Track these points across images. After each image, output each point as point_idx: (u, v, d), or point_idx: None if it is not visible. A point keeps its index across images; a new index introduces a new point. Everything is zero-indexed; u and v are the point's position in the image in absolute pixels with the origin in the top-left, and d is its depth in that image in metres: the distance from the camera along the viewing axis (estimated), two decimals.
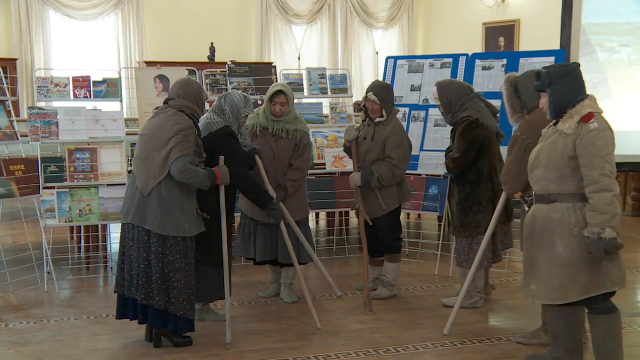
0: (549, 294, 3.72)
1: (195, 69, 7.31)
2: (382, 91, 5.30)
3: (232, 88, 6.85)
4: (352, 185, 5.36)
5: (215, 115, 4.76)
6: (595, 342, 3.80)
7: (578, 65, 3.78)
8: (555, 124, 3.74)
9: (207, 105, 4.87)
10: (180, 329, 4.41)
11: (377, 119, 5.32)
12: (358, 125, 5.60)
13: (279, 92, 5.13)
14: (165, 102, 4.43)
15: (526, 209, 4.34)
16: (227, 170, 4.50)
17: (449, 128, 5.27)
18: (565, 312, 3.81)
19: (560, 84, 3.64)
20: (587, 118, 3.56)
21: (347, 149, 5.47)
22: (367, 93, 5.34)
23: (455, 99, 5.05)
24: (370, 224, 5.32)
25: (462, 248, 5.16)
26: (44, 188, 5.97)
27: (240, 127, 4.86)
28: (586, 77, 4.40)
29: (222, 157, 4.51)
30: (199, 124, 4.65)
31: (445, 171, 5.82)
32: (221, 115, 4.76)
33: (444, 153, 5.32)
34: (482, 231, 4.93)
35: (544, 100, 3.73)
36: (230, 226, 4.82)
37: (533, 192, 3.81)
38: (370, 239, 5.39)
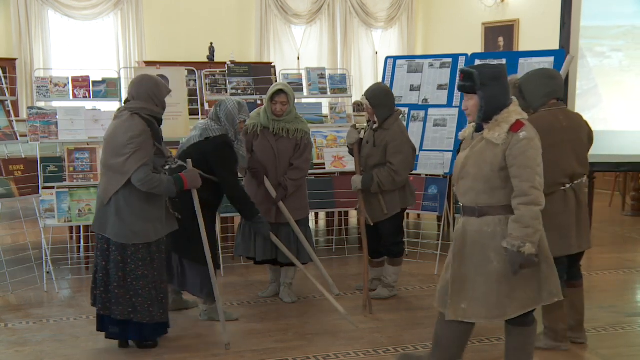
0: (485, 312, 3.47)
1: (194, 69, 7.32)
2: (375, 96, 5.26)
3: (232, 88, 6.86)
4: (353, 188, 5.35)
5: (212, 122, 4.81)
6: (507, 351, 3.68)
7: (505, 67, 3.55)
8: (477, 130, 3.52)
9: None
10: (149, 335, 4.36)
11: (374, 126, 5.31)
12: (359, 125, 5.60)
13: (280, 91, 5.14)
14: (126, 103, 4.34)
15: None
16: (195, 174, 4.41)
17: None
18: (467, 324, 3.62)
19: (493, 87, 3.39)
20: (516, 127, 3.36)
21: (352, 150, 5.47)
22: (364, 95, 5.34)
23: None
24: (371, 224, 5.32)
25: None
26: (44, 188, 5.96)
27: (237, 134, 4.87)
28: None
29: (189, 161, 4.44)
30: (196, 132, 4.78)
31: (445, 171, 5.80)
32: (218, 122, 4.79)
33: (452, 153, 5.27)
34: None
35: (471, 103, 3.44)
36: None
37: (461, 204, 3.58)
38: (370, 240, 5.38)
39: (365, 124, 5.52)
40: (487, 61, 6.44)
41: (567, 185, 4.23)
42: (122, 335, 4.37)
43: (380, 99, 5.26)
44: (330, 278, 5.47)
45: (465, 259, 3.51)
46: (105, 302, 4.25)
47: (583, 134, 4.34)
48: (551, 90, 4.27)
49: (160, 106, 4.26)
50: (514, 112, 3.41)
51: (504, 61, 6.53)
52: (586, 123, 4.42)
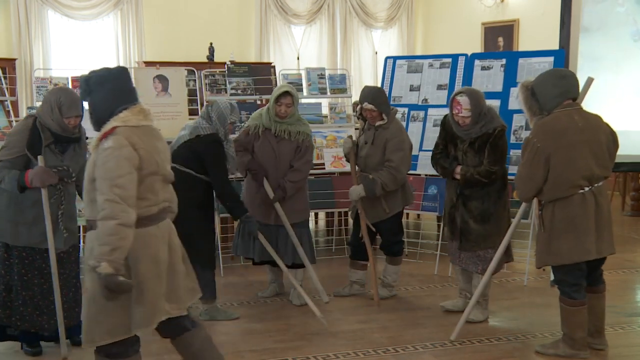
0: (84, 336, 3.19)
1: (194, 69, 7.31)
2: (375, 97, 5.23)
3: (231, 88, 6.86)
4: (354, 198, 5.26)
5: (203, 120, 4.85)
6: None
7: (124, 69, 3.30)
8: None
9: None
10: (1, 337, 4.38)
11: (378, 123, 5.29)
12: (358, 126, 5.60)
13: (286, 93, 5.13)
14: None
15: (539, 212, 4.19)
16: (41, 171, 4.07)
17: None
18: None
19: (98, 93, 3.17)
20: (106, 134, 3.07)
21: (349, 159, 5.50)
22: (361, 103, 5.28)
23: (485, 108, 4.80)
24: (373, 230, 5.33)
25: (489, 257, 4.79)
26: None
27: (227, 134, 4.91)
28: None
29: (40, 157, 4.10)
30: (186, 131, 4.83)
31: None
32: (209, 121, 4.83)
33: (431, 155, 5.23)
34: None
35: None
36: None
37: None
38: (355, 241, 5.42)
39: (359, 129, 5.52)
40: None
41: (586, 189, 4.09)
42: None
43: (380, 98, 5.26)
44: (320, 284, 5.31)
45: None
46: None
47: (602, 135, 4.17)
48: (563, 90, 4.13)
49: (56, 122, 4.11)
50: (120, 119, 3.12)
51: (503, 61, 6.54)
52: (607, 125, 4.25)
